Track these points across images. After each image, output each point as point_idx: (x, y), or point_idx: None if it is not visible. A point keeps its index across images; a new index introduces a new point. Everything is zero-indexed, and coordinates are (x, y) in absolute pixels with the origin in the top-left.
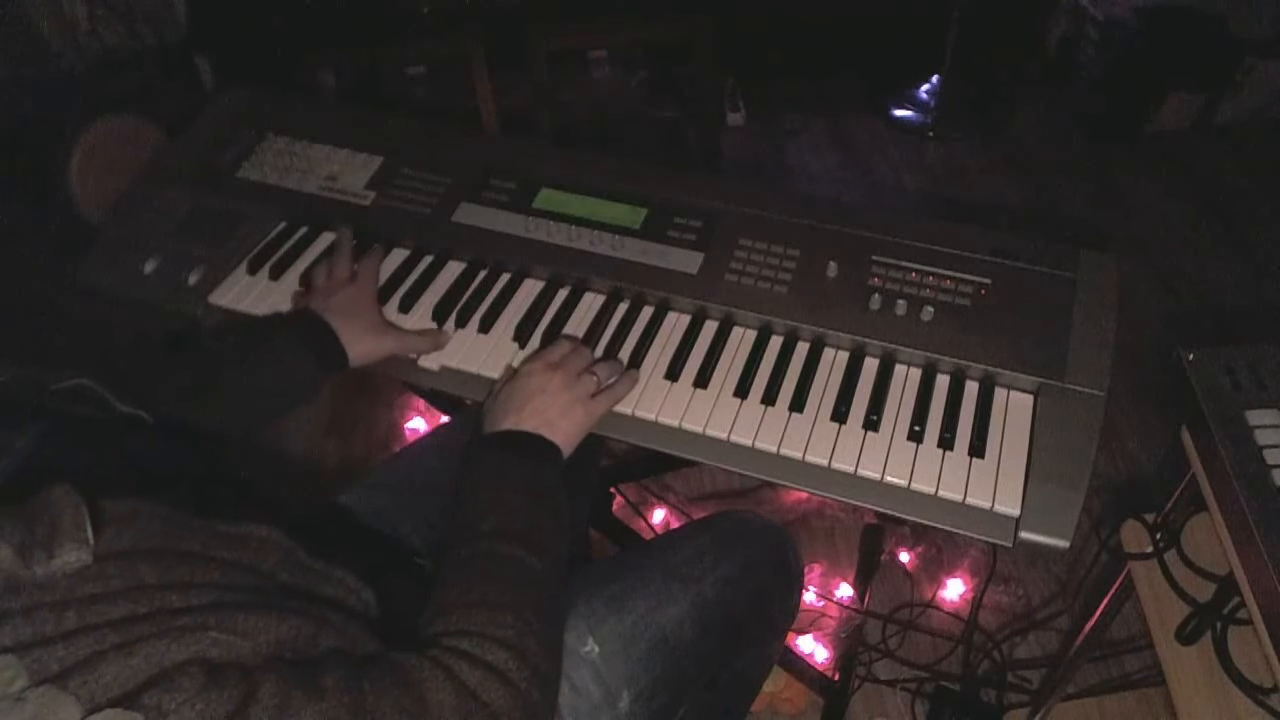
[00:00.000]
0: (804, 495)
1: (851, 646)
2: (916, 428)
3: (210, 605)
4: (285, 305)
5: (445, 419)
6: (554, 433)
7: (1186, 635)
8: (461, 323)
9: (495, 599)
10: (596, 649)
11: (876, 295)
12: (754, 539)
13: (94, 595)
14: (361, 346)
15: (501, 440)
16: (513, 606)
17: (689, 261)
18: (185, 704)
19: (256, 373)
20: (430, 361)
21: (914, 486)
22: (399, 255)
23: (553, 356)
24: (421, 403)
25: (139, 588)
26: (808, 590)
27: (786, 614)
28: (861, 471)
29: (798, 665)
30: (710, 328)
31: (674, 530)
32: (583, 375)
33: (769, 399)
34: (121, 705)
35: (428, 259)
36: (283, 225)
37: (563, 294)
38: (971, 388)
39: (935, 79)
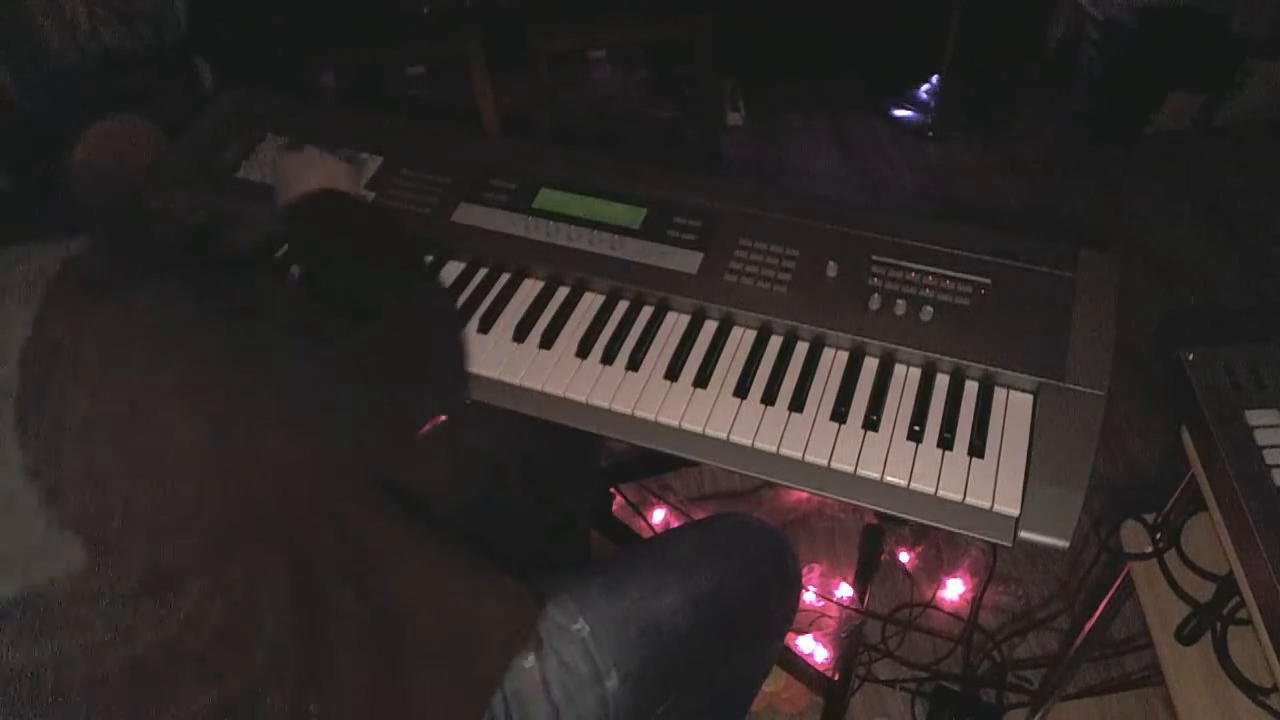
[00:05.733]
0: (804, 495)
1: (851, 646)
2: (916, 427)
3: None
4: None
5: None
6: (337, 183)
7: (1186, 635)
8: (460, 323)
9: None
10: (587, 628)
11: (876, 295)
12: (751, 540)
13: None
14: None
15: (309, 199)
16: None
17: (688, 261)
18: None
19: None
20: None
21: (914, 486)
22: None
23: (289, 151)
24: None
25: None
26: (808, 590)
27: (784, 616)
28: (861, 471)
29: (798, 665)
30: (710, 327)
31: (671, 529)
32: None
33: (769, 399)
34: None
35: (427, 259)
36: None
37: (562, 294)
38: (971, 387)
39: (935, 79)
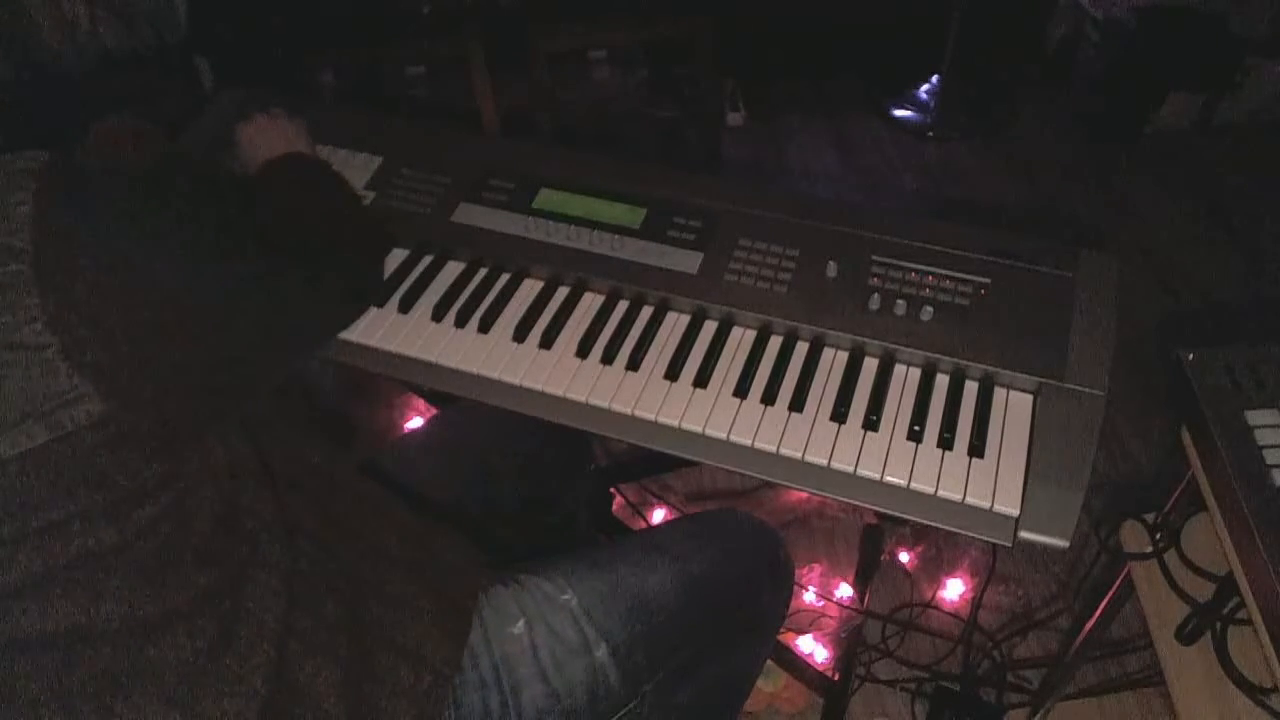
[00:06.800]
0: (804, 495)
1: (851, 646)
2: (916, 427)
3: None
4: None
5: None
6: (293, 146)
7: (1186, 635)
8: (461, 323)
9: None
10: (575, 599)
11: (876, 295)
12: (744, 532)
13: None
14: None
15: (273, 166)
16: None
17: (688, 261)
18: None
19: None
20: (430, 360)
21: (913, 486)
22: (398, 255)
23: (240, 123)
24: (421, 403)
25: None
26: (807, 590)
27: (776, 611)
28: (861, 471)
29: (798, 665)
30: (710, 328)
31: (664, 522)
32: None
33: (768, 399)
34: None
35: (427, 259)
36: None
37: (562, 294)
38: (971, 387)
39: (935, 79)
